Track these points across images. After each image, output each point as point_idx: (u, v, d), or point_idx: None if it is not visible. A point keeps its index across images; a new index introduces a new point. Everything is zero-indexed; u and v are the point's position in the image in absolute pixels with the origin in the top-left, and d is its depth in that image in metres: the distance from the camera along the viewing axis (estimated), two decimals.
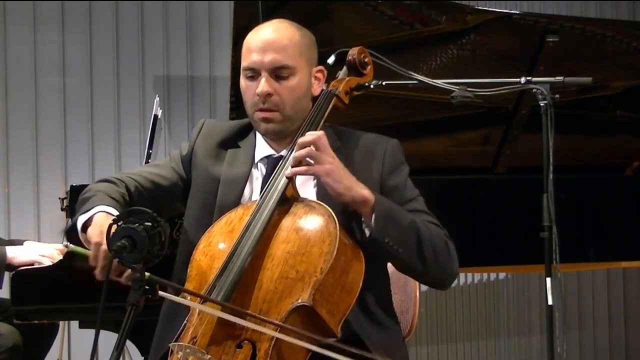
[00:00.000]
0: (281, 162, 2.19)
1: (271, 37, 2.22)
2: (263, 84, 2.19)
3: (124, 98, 5.09)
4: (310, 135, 2.13)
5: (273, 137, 2.28)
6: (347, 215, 2.13)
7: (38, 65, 4.98)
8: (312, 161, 2.10)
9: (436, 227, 2.21)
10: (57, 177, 4.96)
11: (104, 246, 1.97)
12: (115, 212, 2.11)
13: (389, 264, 2.35)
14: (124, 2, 5.10)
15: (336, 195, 2.10)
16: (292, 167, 2.12)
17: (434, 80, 2.76)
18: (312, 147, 2.10)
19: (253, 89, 2.22)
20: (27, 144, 4.94)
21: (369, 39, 3.69)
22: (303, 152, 2.10)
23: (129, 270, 1.94)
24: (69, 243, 3.16)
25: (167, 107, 5.12)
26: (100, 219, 2.09)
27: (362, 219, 2.11)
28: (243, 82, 2.26)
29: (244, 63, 2.24)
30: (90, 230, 2.09)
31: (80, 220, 2.14)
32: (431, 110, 4.15)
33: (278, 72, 2.21)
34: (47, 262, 3.16)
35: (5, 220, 4.86)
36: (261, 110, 2.22)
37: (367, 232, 2.10)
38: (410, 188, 2.28)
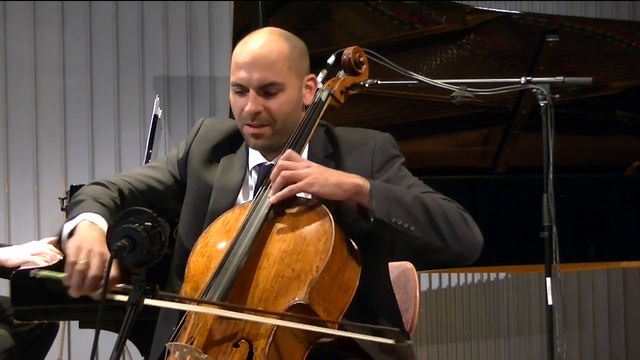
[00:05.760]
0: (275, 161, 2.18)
1: (259, 52, 2.16)
2: (251, 103, 2.16)
3: (124, 98, 5.09)
4: (277, 163, 2.08)
5: (263, 151, 2.26)
6: (348, 208, 2.10)
7: (38, 65, 4.98)
8: (291, 183, 2.05)
9: (446, 201, 2.16)
10: (57, 177, 4.96)
11: (79, 266, 1.95)
12: (101, 220, 2.08)
13: (391, 264, 2.35)
14: (124, 2, 5.10)
15: (330, 196, 2.06)
16: (275, 192, 2.07)
17: (434, 80, 2.76)
18: (283, 171, 2.06)
19: (241, 105, 2.18)
20: (27, 144, 4.94)
21: (369, 39, 3.70)
22: (278, 180, 2.05)
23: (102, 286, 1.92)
24: (37, 272, 3.13)
25: (167, 107, 5.12)
26: (81, 231, 2.04)
27: (365, 208, 2.05)
28: (232, 96, 2.22)
29: (232, 78, 2.20)
30: (69, 243, 2.02)
31: (66, 229, 2.08)
32: (431, 110, 4.15)
33: (266, 89, 2.16)
34: (39, 261, 3.15)
35: (5, 220, 4.87)
36: (250, 125, 2.19)
37: (372, 218, 2.04)
38: (408, 177, 2.23)
